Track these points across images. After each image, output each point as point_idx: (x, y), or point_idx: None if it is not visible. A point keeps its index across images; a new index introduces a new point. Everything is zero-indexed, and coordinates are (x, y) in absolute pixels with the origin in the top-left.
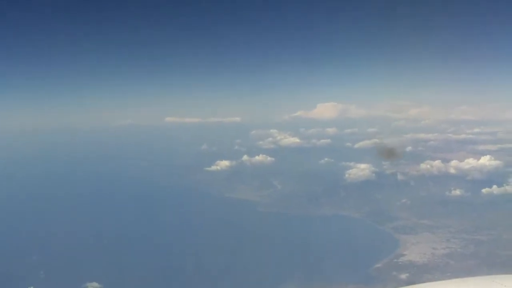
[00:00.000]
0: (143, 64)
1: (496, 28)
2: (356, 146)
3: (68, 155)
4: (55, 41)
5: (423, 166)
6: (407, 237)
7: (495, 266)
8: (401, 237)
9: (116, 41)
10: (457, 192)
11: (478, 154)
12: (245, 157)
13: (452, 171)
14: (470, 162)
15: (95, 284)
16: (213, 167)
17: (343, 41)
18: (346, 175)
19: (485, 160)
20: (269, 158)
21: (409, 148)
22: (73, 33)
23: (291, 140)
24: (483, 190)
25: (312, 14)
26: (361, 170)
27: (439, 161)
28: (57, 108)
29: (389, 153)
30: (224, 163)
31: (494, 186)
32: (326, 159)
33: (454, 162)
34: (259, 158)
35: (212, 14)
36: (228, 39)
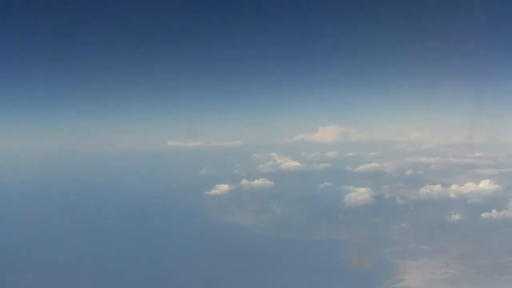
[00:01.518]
0: (144, 87)
1: (497, 51)
2: (356, 170)
3: (67, 178)
4: (54, 62)
5: (423, 190)
6: (406, 262)
7: None
8: (399, 262)
9: (116, 63)
10: (457, 216)
11: (478, 178)
12: (244, 181)
13: (452, 195)
14: (469, 186)
15: None
16: (213, 191)
17: (345, 65)
18: (345, 199)
19: (485, 184)
20: (268, 182)
21: (409, 172)
22: (72, 55)
23: (291, 164)
24: (483, 215)
25: (313, 38)
26: (360, 194)
27: (439, 185)
28: (56, 131)
29: (361, 262)
30: (223, 187)
31: (494, 211)
32: (325, 183)
33: (454, 186)
34: (258, 182)
35: (212, 38)
36: (229, 63)
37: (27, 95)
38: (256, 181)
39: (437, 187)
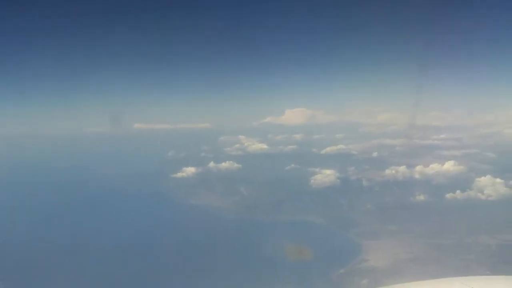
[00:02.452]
0: (113, 69)
1: (462, 37)
2: (323, 152)
3: (34, 163)
4: (24, 47)
5: (388, 171)
6: (371, 243)
7: (457, 270)
8: (364, 243)
9: (85, 47)
10: (421, 197)
11: (443, 159)
12: (211, 164)
13: (417, 176)
14: (434, 168)
15: None
16: (179, 174)
17: (312, 47)
18: (312, 181)
19: (449, 166)
20: (235, 165)
21: (375, 154)
22: (49, 45)
23: (258, 146)
24: (447, 195)
25: (282, 22)
26: (326, 176)
27: (404, 166)
28: (21, 114)
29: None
30: (190, 170)
31: (458, 191)
32: (292, 165)
33: (419, 168)
34: (225, 164)
35: (182, 24)
36: (198, 46)
37: None
38: (223, 163)
39: (402, 169)
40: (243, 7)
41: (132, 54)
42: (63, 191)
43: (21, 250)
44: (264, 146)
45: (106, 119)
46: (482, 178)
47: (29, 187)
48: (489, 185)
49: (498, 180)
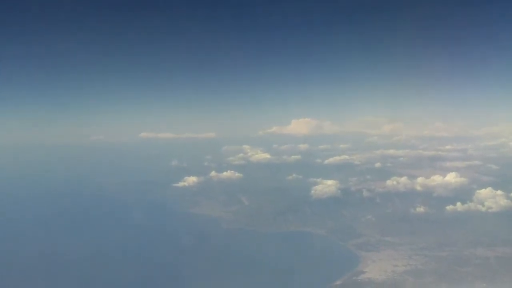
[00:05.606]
0: (118, 79)
1: (468, 48)
2: (326, 162)
3: (38, 171)
4: (26, 55)
5: (389, 182)
6: (369, 254)
7: (453, 283)
8: (363, 254)
9: (89, 56)
10: (422, 209)
11: (446, 171)
12: (213, 173)
13: (418, 188)
14: (436, 179)
15: None
16: (181, 183)
17: (318, 58)
18: (313, 191)
19: (451, 177)
20: (237, 174)
21: (377, 164)
22: (45, 48)
23: (261, 156)
24: (447, 207)
25: (287, 32)
26: (327, 186)
27: (406, 177)
28: (27, 123)
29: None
30: (192, 179)
31: (458, 203)
32: (294, 175)
33: (420, 179)
34: (227, 174)
35: (186, 31)
36: (203, 56)
37: None
38: (224, 173)
39: (403, 180)
40: (251, 18)
41: (139, 63)
42: (67, 199)
43: (25, 257)
44: (267, 155)
45: (112, 127)
46: (483, 190)
47: (35, 195)
48: (489, 197)
49: (499, 192)
